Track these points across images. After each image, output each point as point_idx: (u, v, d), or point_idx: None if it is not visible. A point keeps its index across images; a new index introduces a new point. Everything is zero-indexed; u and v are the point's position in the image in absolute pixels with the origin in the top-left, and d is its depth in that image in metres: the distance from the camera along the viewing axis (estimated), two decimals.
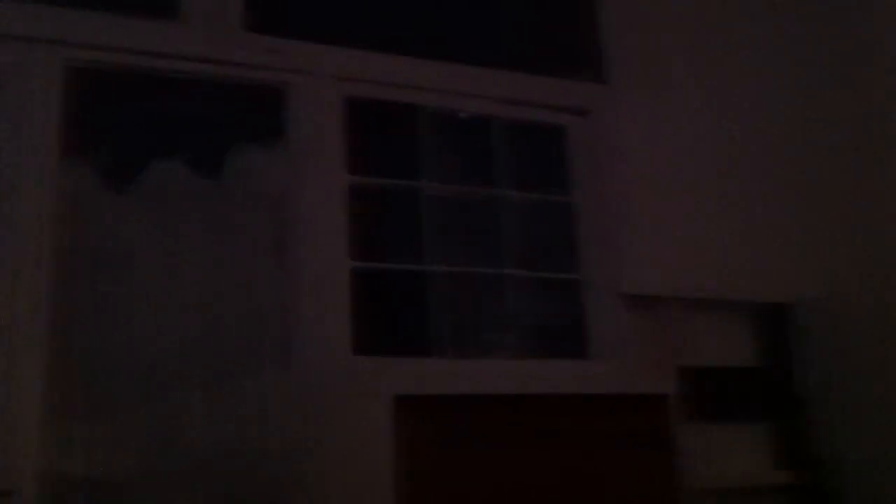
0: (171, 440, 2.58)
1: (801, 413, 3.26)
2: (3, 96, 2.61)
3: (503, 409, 2.87)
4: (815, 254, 3.36)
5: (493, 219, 3.18)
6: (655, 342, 3.17)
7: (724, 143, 3.44)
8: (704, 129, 3.42)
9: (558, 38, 3.58)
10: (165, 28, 2.83)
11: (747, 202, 3.41)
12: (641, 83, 3.40)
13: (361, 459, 2.64)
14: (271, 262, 2.82)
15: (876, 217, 3.18)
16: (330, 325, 2.77)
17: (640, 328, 3.18)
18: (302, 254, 2.82)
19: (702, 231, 3.30)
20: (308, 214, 2.85)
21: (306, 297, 2.78)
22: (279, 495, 2.64)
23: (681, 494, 3.00)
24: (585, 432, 2.99)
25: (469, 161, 3.25)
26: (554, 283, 3.25)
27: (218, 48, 2.88)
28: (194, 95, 2.89)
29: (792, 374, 3.29)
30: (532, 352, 3.08)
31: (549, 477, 2.90)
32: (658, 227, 3.25)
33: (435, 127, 3.14)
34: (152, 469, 2.54)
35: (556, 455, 2.93)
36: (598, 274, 3.21)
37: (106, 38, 2.74)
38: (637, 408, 3.08)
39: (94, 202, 2.68)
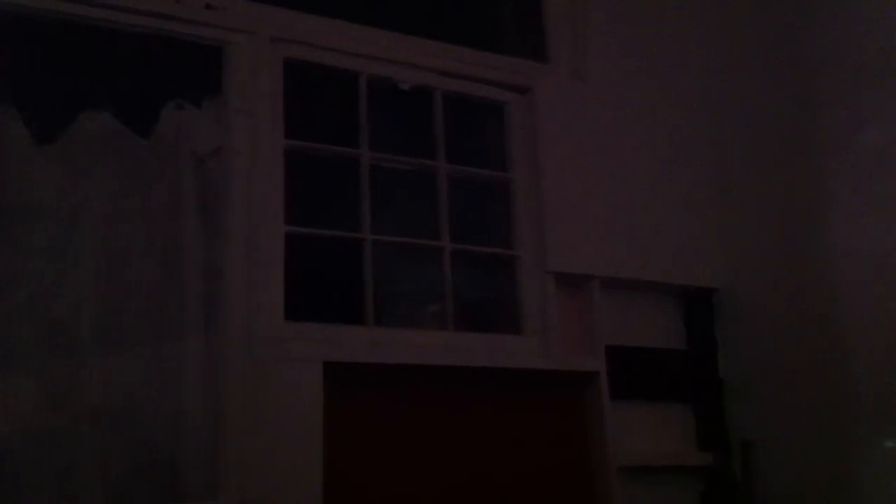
0: (69, 398, 2.50)
1: (723, 396, 3.33)
2: None
3: (432, 380, 2.87)
4: (742, 242, 3.43)
5: (430, 191, 3.16)
6: (583, 320, 3.20)
7: (659, 129, 3.49)
8: (640, 115, 3.46)
9: (502, 13, 3.58)
10: None
11: (678, 188, 3.46)
12: (581, 64, 3.43)
13: (290, 424, 2.61)
14: (197, 223, 2.76)
15: (800, 210, 3.25)
16: (262, 289, 2.72)
17: (569, 306, 3.21)
18: (233, 216, 2.76)
19: (632, 215, 3.34)
20: (242, 175, 2.79)
21: (237, 260, 2.73)
22: (200, 458, 2.60)
23: (603, 470, 3.04)
24: (511, 406, 3.02)
25: (409, 132, 3.23)
26: (489, 258, 3.26)
27: (157, 1, 2.80)
28: (130, 49, 2.81)
29: (715, 358, 3.36)
30: (465, 324, 3.07)
31: (473, 447, 2.91)
32: (589, 208, 3.27)
33: (376, 95, 3.10)
34: (48, 428, 2.47)
35: (482, 427, 2.95)
36: (529, 251, 3.22)
37: None
38: (564, 384, 3.11)
39: (21, 153, 2.59)
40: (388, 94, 3.14)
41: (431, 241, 3.12)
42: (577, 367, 3.13)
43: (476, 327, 3.12)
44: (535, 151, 3.28)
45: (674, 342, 3.37)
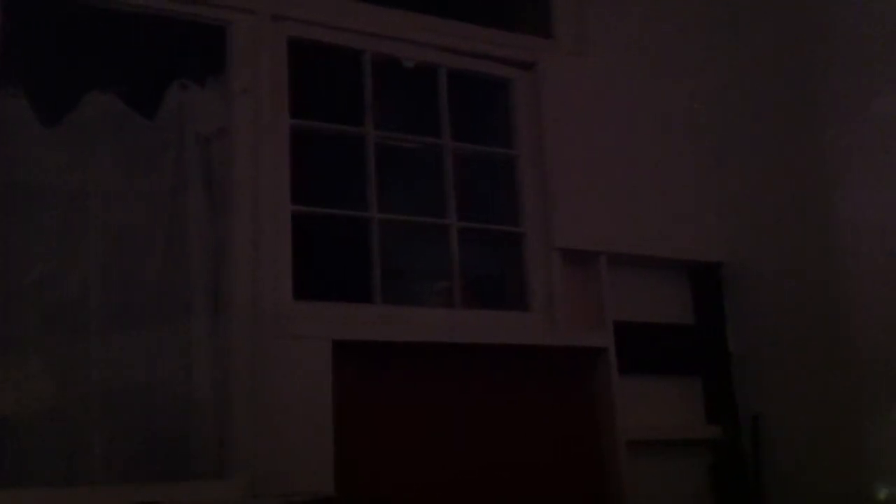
0: (77, 378, 2.51)
1: (732, 370, 3.33)
2: None
3: (440, 357, 2.87)
4: (748, 216, 3.42)
5: (436, 168, 3.15)
6: (591, 296, 3.19)
7: (664, 104, 3.47)
8: (644, 90, 3.45)
9: None
10: None
11: (683, 163, 3.45)
12: (586, 40, 3.41)
13: (300, 403, 2.61)
14: (203, 203, 2.75)
15: (806, 182, 3.24)
16: (270, 268, 2.72)
17: (576, 282, 3.20)
18: (239, 196, 2.76)
19: (639, 190, 3.32)
20: (246, 155, 2.79)
21: (244, 240, 2.73)
22: (209, 438, 2.61)
23: (612, 445, 3.05)
24: (519, 382, 3.02)
25: (414, 110, 3.22)
26: (495, 235, 3.25)
27: None
28: (135, 29, 2.80)
29: (724, 332, 3.36)
30: (472, 302, 3.07)
31: (481, 424, 2.92)
32: (595, 184, 3.26)
33: (380, 73, 3.09)
34: (57, 409, 2.48)
35: (490, 403, 2.95)
36: (536, 228, 3.22)
37: None
38: (572, 360, 3.11)
39: (25, 134, 2.59)
40: (393, 72, 3.13)
41: (438, 218, 3.12)
42: (585, 342, 3.13)
43: (483, 304, 3.12)
44: (540, 128, 3.27)
45: (682, 317, 3.37)
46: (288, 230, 2.79)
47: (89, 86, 2.67)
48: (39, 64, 2.66)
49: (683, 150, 3.46)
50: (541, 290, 3.17)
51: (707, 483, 3.26)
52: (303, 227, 2.82)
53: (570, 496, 3.01)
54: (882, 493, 2.91)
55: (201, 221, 2.74)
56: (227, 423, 2.61)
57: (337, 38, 3.05)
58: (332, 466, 2.59)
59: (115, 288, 2.61)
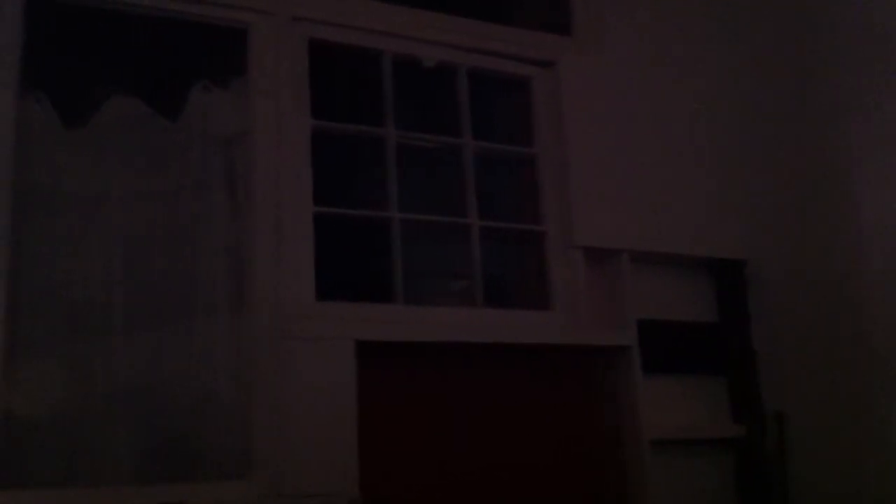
0: (100, 379, 2.52)
1: (755, 368, 3.31)
2: None
3: (463, 356, 2.87)
4: (771, 213, 3.40)
5: (456, 168, 3.14)
6: (613, 294, 3.18)
7: (684, 100, 3.45)
8: (664, 86, 3.43)
9: None
10: None
11: (705, 160, 3.43)
12: (605, 37, 3.40)
13: (323, 403, 2.61)
14: (225, 204, 2.76)
15: (827, 178, 3.23)
16: (293, 269, 2.73)
17: (598, 280, 3.19)
18: (260, 197, 2.76)
19: (660, 187, 3.31)
20: (267, 156, 2.79)
21: (267, 241, 2.73)
22: (232, 438, 2.62)
23: (635, 443, 3.03)
24: (542, 381, 3.02)
25: (434, 109, 3.22)
26: (516, 234, 3.25)
27: None
28: (157, 33, 2.81)
29: (747, 330, 3.34)
30: (493, 301, 3.07)
31: (505, 423, 2.92)
32: (616, 181, 3.25)
33: (400, 73, 3.09)
34: (79, 410, 2.49)
35: (513, 402, 2.95)
36: (557, 226, 3.21)
37: None
38: (595, 359, 3.10)
39: (50, 137, 2.60)
40: (413, 72, 3.13)
41: (458, 218, 3.11)
42: (607, 341, 3.12)
43: (505, 303, 3.12)
44: (560, 126, 3.26)
45: (706, 315, 3.35)
46: (310, 231, 2.80)
47: (113, 89, 2.68)
48: (63, 68, 2.67)
49: (707, 147, 3.44)
50: (563, 288, 3.16)
51: (732, 482, 3.25)
52: (324, 227, 2.82)
53: (593, 495, 3.01)
54: None
55: (224, 222, 2.75)
56: (250, 423, 2.62)
57: (357, 38, 3.06)
58: (357, 467, 2.60)
59: (138, 289, 2.62)
